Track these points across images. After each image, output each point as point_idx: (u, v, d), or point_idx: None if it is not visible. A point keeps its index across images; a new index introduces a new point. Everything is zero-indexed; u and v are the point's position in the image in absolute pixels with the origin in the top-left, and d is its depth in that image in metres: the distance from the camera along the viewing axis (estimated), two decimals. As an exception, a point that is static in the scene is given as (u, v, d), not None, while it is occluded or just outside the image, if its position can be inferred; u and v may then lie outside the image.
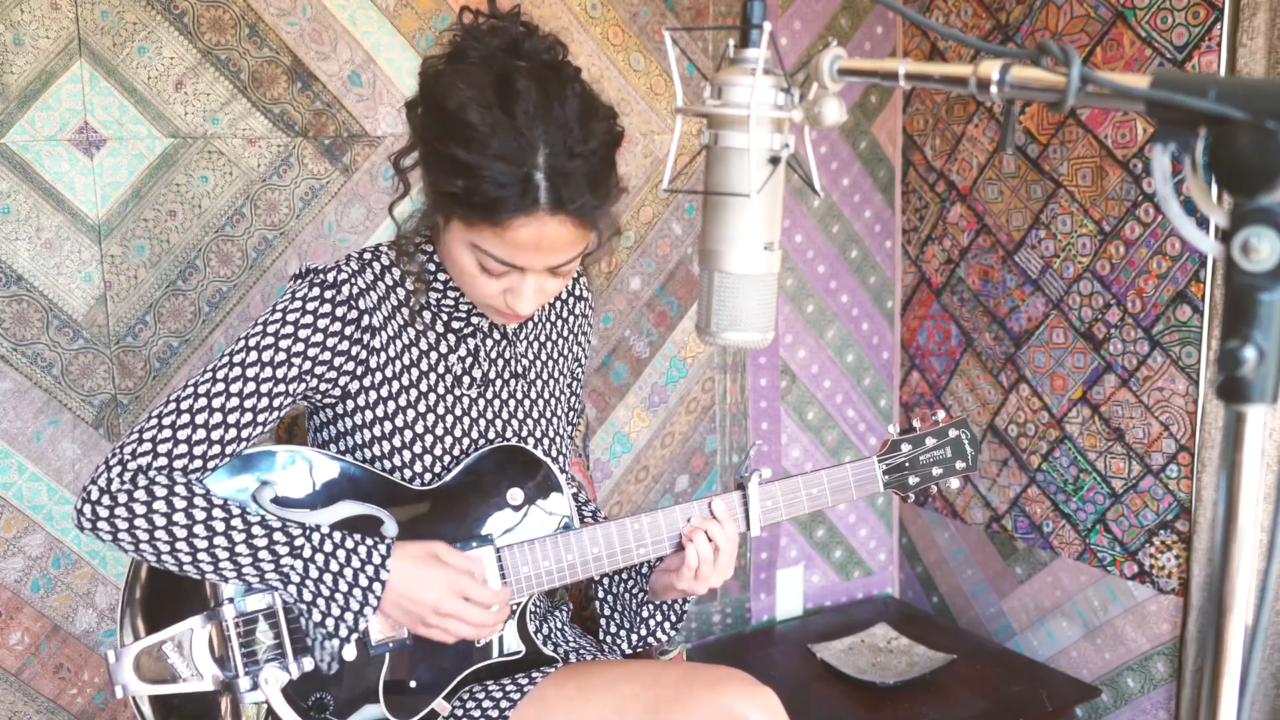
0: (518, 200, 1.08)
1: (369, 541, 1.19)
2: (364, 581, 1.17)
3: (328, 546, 1.17)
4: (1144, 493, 2.04)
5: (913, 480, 1.44)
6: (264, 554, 1.16)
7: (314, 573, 1.17)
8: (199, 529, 1.14)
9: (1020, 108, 2.15)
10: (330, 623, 1.17)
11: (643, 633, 1.41)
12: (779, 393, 2.46)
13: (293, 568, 1.17)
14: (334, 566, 1.17)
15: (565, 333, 1.44)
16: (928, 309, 2.51)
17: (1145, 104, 0.57)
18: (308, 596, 1.17)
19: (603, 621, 1.44)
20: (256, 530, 1.16)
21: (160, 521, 1.14)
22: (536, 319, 1.39)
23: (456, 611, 1.19)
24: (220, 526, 1.15)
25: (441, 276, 1.27)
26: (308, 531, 1.17)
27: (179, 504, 1.14)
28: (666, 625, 1.40)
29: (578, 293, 1.46)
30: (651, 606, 1.40)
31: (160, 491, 1.14)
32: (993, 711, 2.07)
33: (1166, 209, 0.58)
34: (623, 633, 1.42)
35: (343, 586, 1.17)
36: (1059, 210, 2.13)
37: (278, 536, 1.16)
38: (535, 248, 1.12)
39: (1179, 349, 1.94)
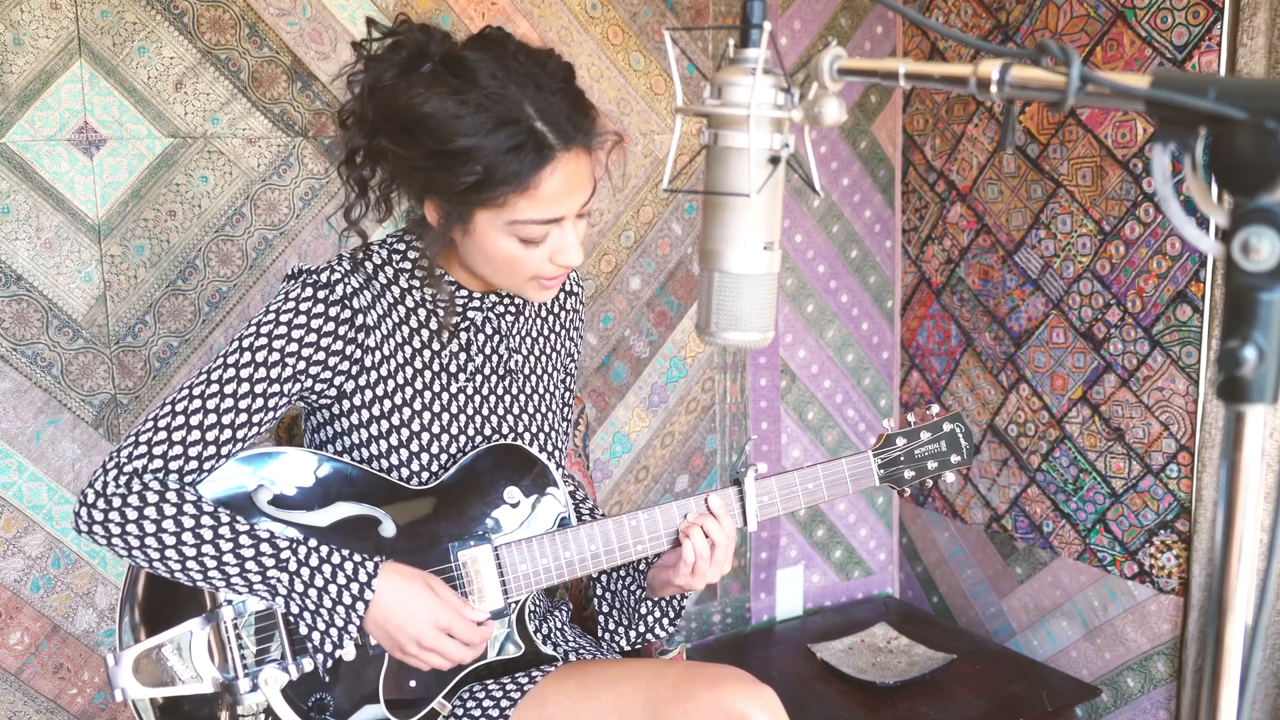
0: (535, 155, 1.11)
1: (357, 559, 1.18)
2: (348, 599, 1.16)
3: (314, 560, 1.17)
4: (1144, 492, 2.04)
5: (908, 474, 1.45)
6: (250, 564, 1.15)
7: (299, 586, 1.16)
8: (187, 536, 1.14)
9: (1020, 107, 2.15)
10: (316, 636, 1.17)
11: (641, 629, 1.41)
12: (779, 392, 2.46)
13: (279, 580, 1.16)
14: (319, 581, 1.16)
15: (557, 328, 1.44)
16: (928, 309, 2.51)
17: (1145, 104, 0.57)
18: (294, 609, 1.17)
19: (601, 619, 1.44)
20: (244, 540, 1.15)
21: (150, 528, 1.13)
22: (527, 314, 1.39)
23: (438, 646, 1.19)
24: (208, 535, 1.14)
25: (437, 272, 1.27)
26: (294, 544, 1.17)
27: (169, 510, 1.14)
28: (665, 621, 1.40)
29: (568, 288, 1.47)
30: (650, 603, 1.40)
31: (152, 497, 1.14)
32: (993, 711, 2.06)
33: (1166, 209, 0.58)
34: (621, 629, 1.42)
35: (326, 602, 1.16)
36: (1059, 210, 2.13)
37: (264, 548, 1.16)
38: (567, 191, 1.15)
39: (1179, 349, 1.94)
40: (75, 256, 1.73)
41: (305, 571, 1.16)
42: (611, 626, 1.43)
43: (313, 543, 1.18)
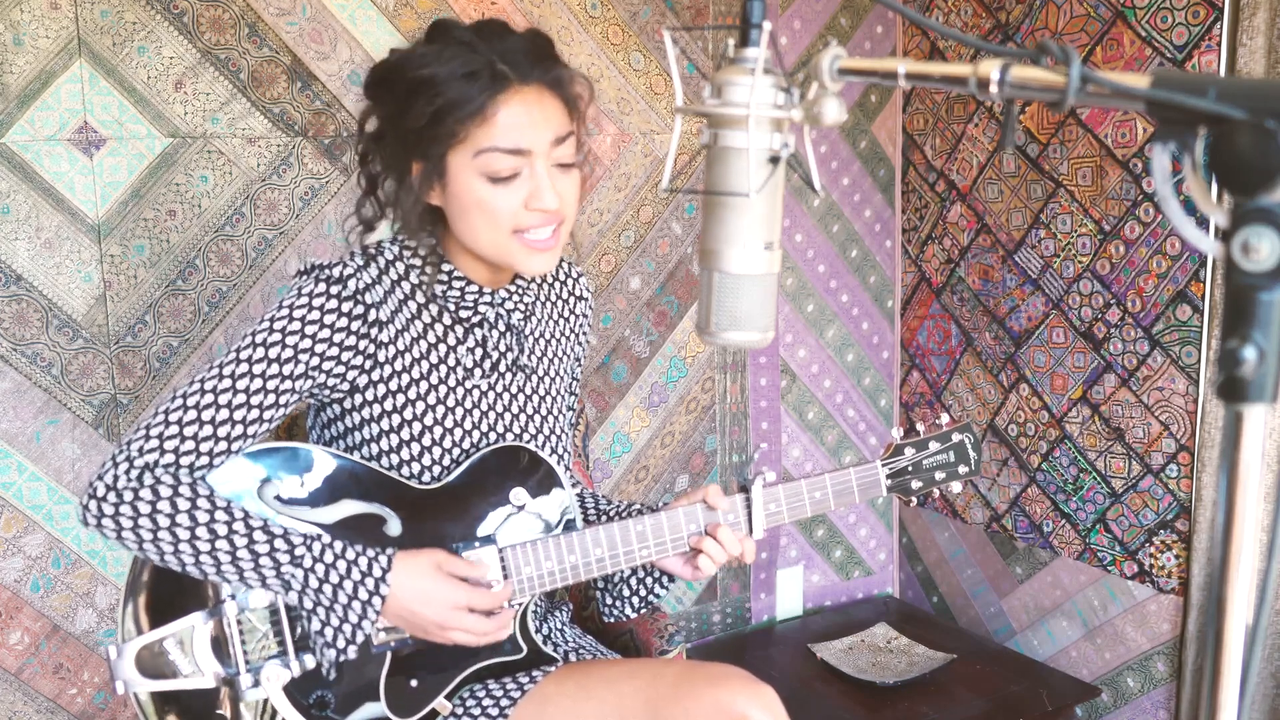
0: (490, 83, 1.16)
1: (370, 553, 1.18)
2: (364, 595, 1.17)
3: (328, 557, 1.17)
4: (1144, 492, 2.04)
5: (915, 484, 1.44)
6: (265, 560, 1.16)
7: (314, 583, 1.17)
8: (201, 531, 1.14)
9: (1020, 107, 2.15)
10: (329, 632, 1.17)
11: (642, 593, 1.42)
12: (779, 392, 2.46)
13: (293, 576, 1.17)
14: (334, 578, 1.17)
15: (567, 331, 1.45)
16: (928, 309, 2.51)
17: (1145, 104, 0.57)
18: (308, 605, 1.17)
19: (599, 595, 1.45)
20: (258, 536, 1.16)
21: (164, 522, 1.14)
22: (539, 315, 1.39)
23: (460, 624, 1.20)
24: (222, 530, 1.15)
25: (446, 267, 1.27)
26: (309, 541, 1.17)
27: (183, 505, 1.14)
28: (665, 579, 1.41)
29: (578, 293, 1.48)
30: (643, 570, 1.41)
31: (165, 491, 1.14)
32: (993, 711, 2.07)
33: (1166, 209, 0.58)
34: (620, 602, 1.43)
35: (342, 599, 1.17)
36: (1059, 210, 2.13)
37: (279, 544, 1.16)
38: (529, 122, 1.18)
39: (1179, 349, 1.94)
40: (75, 256, 1.73)
41: (320, 568, 1.17)
42: (610, 601, 1.44)
43: (326, 539, 1.18)
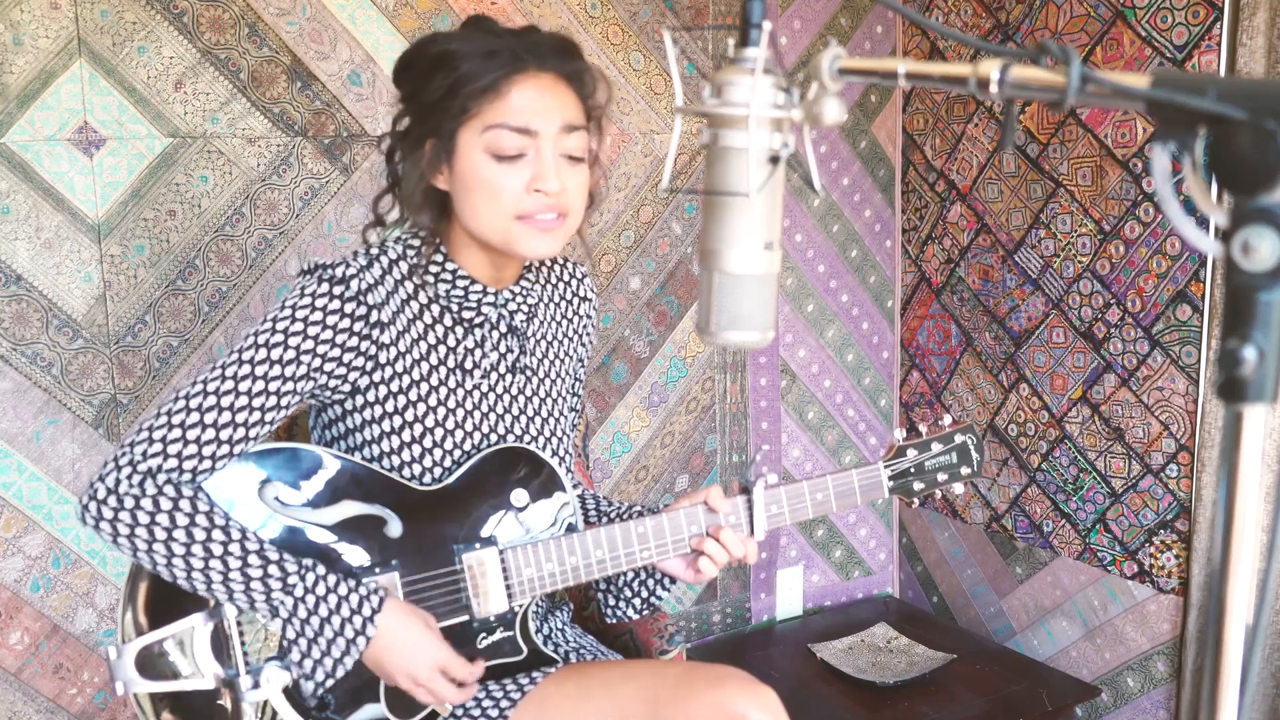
0: (508, 61, 1.18)
1: (362, 591, 1.18)
2: (349, 633, 1.16)
3: (320, 589, 1.16)
4: (1144, 492, 2.04)
5: (918, 486, 1.44)
6: (256, 585, 1.15)
7: (302, 612, 1.16)
8: (197, 549, 1.14)
9: (1020, 107, 2.15)
10: (308, 664, 1.16)
11: (644, 595, 1.42)
12: (779, 392, 2.46)
13: (282, 603, 1.16)
14: (323, 611, 1.16)
15: (570, 332, 1.45)
16: (928, 309, 2.51)
17: (1145, 104, 0.57)
18: (291, 634, 1.16)
19: (601, 595, 1.45)
20: (253, 560, 1.15)
21: (161, 535, 1.13)
22: (542, 316, 1.39)
23: (430, 684, 1.19)
24: (218, 550, 1.14)
25: (450, 266, 1.27)
26: (303, 570, 1.16)
27: (181, 520, 1.14)
28: (666, 581, 1.41)
29: (582, 294, 1.47)
30: (645, 572, 1.41)
31: (165, 504, 1.14)
32: (993, 711, 2.07)
33: (1166, 208, 0.58)
34: (623, 603, 1.43)
35: (327, 633, 1.16)
36: (1059, 210, 2.13)
37: (272, 570, 1.15)
38: (541, 106, 1.19)
39: (1179, 348, 1.94)
40: (75, 256, 1.73)
41: (310, 599, 1.16)
42: (612, 603, 1.44)
43: (321, 569, 1.17)
